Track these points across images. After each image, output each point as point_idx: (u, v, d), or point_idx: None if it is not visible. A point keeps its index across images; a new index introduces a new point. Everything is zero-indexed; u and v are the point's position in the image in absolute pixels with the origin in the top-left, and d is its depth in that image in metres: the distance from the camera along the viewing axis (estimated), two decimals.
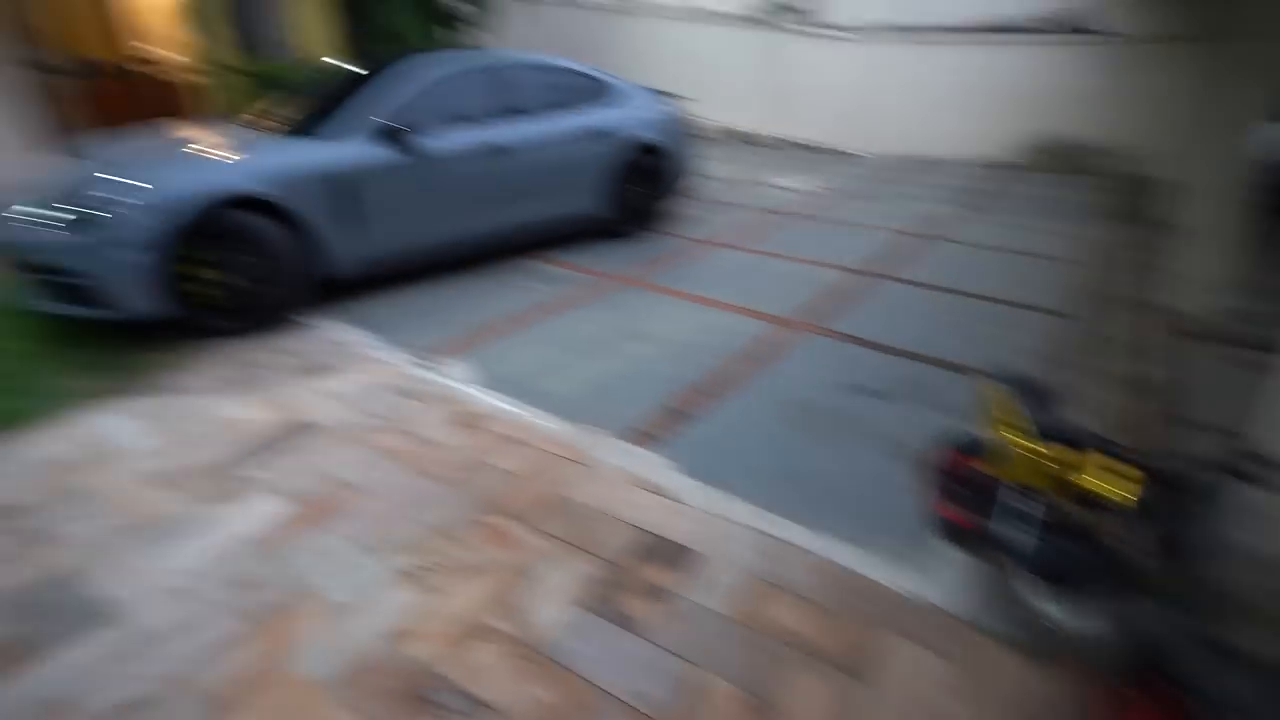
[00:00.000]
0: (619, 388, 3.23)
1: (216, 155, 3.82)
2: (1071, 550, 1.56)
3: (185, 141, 4.18)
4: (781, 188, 8.09)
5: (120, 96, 7.55)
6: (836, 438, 2.80)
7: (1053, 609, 1.65)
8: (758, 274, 4.88)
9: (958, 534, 2.00)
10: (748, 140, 12.15)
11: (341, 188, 3.84)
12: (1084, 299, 4.43)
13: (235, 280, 3.52)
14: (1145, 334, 3.83)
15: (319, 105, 4.43)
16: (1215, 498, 1.39)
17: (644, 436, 2.79)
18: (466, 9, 9.10)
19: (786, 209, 6.92)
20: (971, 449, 2.00)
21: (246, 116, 4.99)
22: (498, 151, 4.51)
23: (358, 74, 4.71)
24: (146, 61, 8.22)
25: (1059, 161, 9.85)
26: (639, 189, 5.45)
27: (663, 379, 3.28)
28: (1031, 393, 1.86)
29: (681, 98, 6.05)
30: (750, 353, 3.56)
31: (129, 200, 3.24)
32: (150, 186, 3.30)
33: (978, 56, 9.84)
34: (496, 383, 3.24)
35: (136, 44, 8.34)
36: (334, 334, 3.76)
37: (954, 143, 10.35)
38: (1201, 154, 6.51)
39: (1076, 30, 9.26)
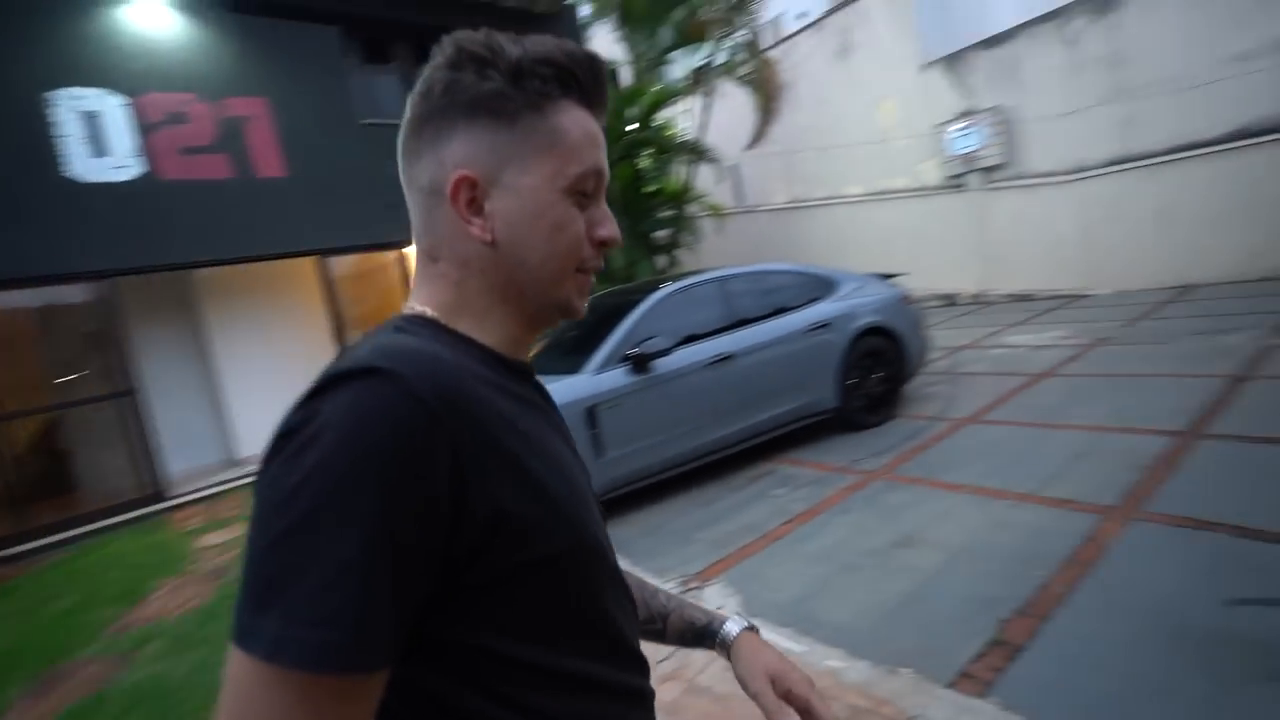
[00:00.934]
0: (908, 611, 2.74)
1: None
2: None
3: None
4: (1019, 345, 7.35)
5: None
6: (1249, 679, 2.04)
7: None
8: (1029, 450, 4.21)
9: None
10: (968, 302, 11.58)
11: (589, 418, 4.11)
12: None
13: None
14: None
15: (562, 343, 4.99)
16: None
17: (967, 680, 2.26)
18: (677, 235, 10.22)
19: (1033, 368, 6.17)
20: None
21: None
22: (723, 360, 4.63)
23: (594, 307, 5.29)
24: None
25: None
26: (874, 375, 5.25)
27: (959, 597, 2.75)
28: None
29: (899, 275, 5.95)
30: (1066, 554, 2.90)
31: None
32: None
33: (1238, 164, 8.70)
34: (765, 609, 2.94)
35: None
36: None
37: (1220, 263, 8.90)
38: None
39: None
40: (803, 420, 5.03)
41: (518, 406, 0.61)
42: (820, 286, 5.32)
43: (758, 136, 9.69)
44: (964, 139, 11.23)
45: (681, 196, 10.09)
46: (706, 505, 4.37)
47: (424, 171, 0.63)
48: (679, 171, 10.38)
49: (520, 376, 0.67)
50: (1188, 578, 2.58)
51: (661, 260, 10.13)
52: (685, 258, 10.60)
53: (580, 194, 0.63)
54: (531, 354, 0.72)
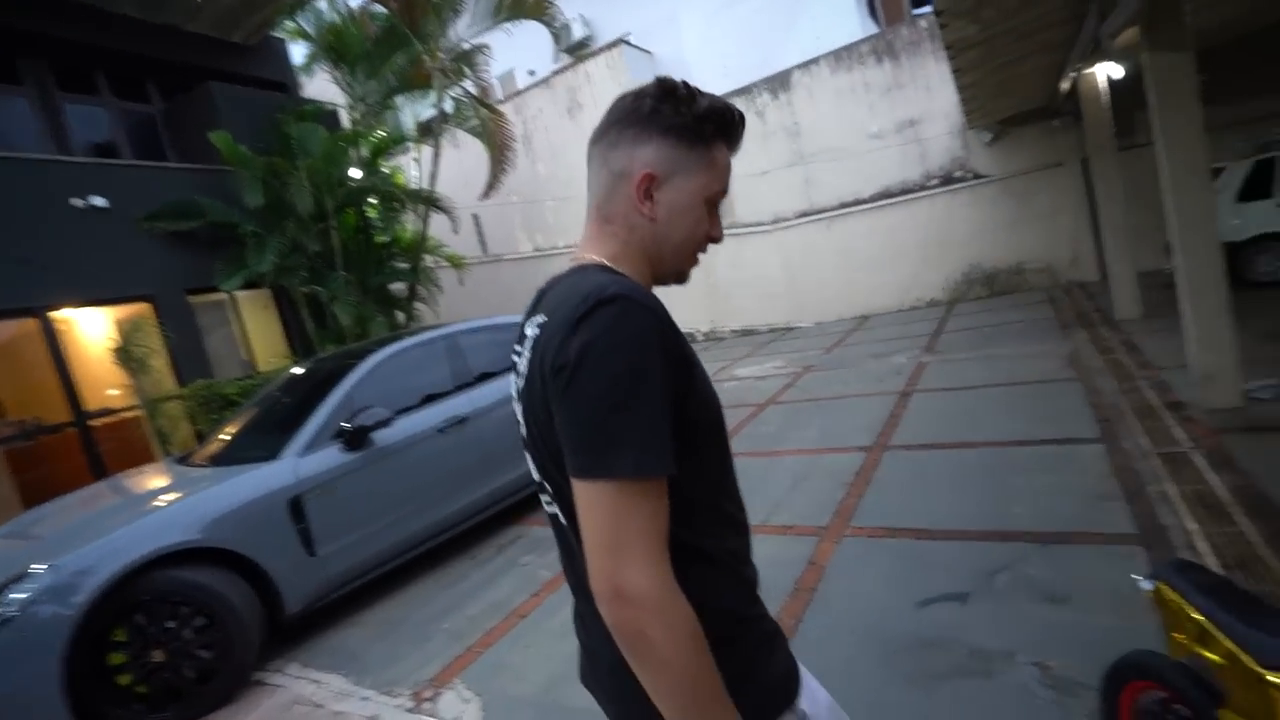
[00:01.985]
0: None
1: (147, 505, 3.29)
2: None
3: (118, 494, 3.78)
4: (746, 377, 8.06)
5: (72, 453, 7.15)
6: (940, 677, 2.23)
7: None
8: (759, 480, 4.50)
9: None
10: (703, 339, 12.56)
11: (293, 511, 3.41)
12: (1098, 416, 4.18)
13: (174, 658, 2.90)
14: (1196, 437, 3.52)
15: (265, 419, 4.18)
16: None
17: None
18: (414, 288, 9.49)
19: (758, 398, 6.78)
20: (1159, 675, 1.50)
21: (191, 448, 4.68)
22: (457, 423, 4.24)
23: (308, 374, 4.55)
24: (106, 412, 7.97)
25: (985, 288, 10.38)
26: None
27: None
28: (1215, 588, 1.42)
29: None
30: (792, 583, 3.03)
31: (31, 593, 2.67)
32: (66, 563, 2.76)
33: (887, 218, 10.75)
34: (509, 710, 2.59)
35: (105, 394, 8.12)
36: (301, 688, 3.08)
37: (886, 296, 10.90)
38: (1134, 251, 6.81)
39: (958, 179, 10.28)
40: None
41: None
42: None
43: (491, 186, 9.56)
44: None
45: (416, 247, 9.50)
46: (451, 586, 3.90)
47: (618, 160, 0.90)
48: (412, 221, 9.80)
49: None
50: (888, 586, 2.82)
51: (400, 316, 9.39)
52: (425, 312, 9.97)
53: (711, 204, 0.93)
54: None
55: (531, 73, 15.46)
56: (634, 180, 0.88)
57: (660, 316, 0.78)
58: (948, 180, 10.31)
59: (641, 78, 13.13)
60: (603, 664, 0.89)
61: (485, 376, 4.60)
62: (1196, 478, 3.11)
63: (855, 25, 12.24)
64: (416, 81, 9.06)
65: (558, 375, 0.76)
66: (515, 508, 4.69)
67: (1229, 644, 1.30)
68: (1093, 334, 6.38)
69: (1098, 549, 2.74)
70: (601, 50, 13.16)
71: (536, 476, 0.94)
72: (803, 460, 4.66)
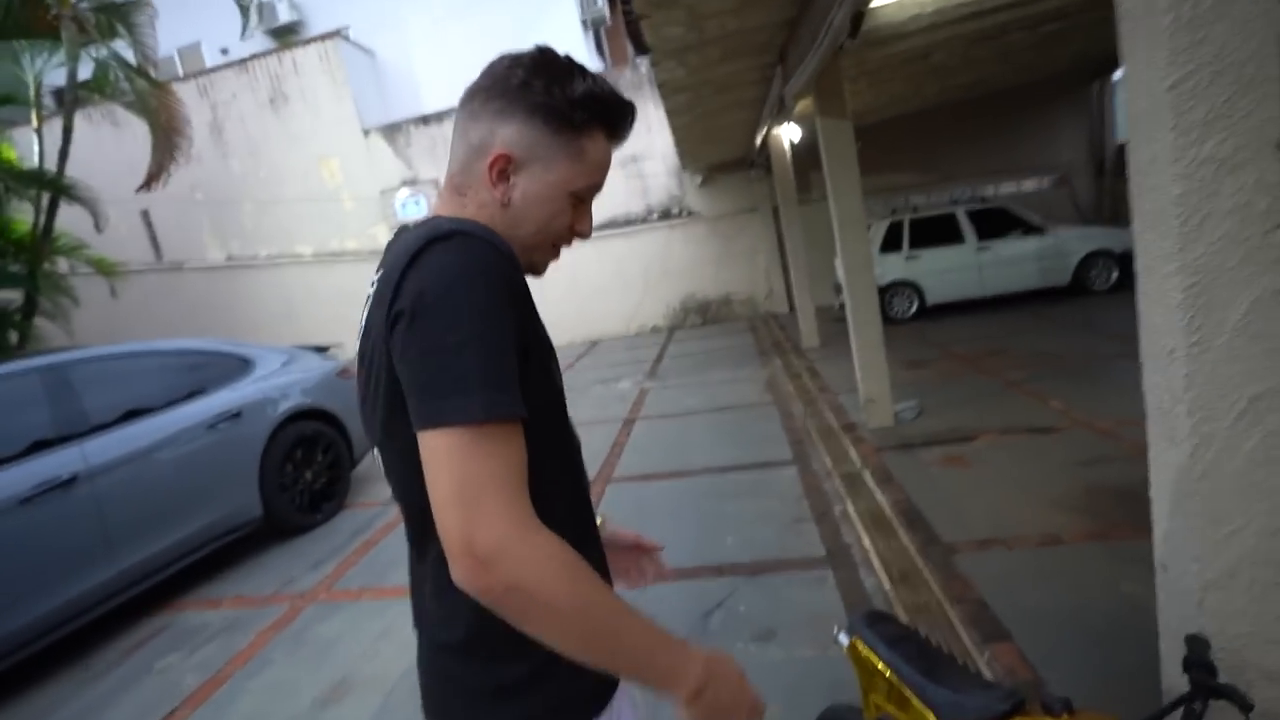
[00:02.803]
0: None
1: None
2: None
3: None
4: None
5: None
6: None
7: None
8: None
9: None
10: None
11: None
12: (791, 439, 4.62)
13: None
14: (864, 456, 4.01)
15: None
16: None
17: None
18: (33, 298, 7.18)
19: None
20: None
21: None
22: (64, 484, 3.11)
23: None
24: None
25: (699, 316, 11.38)
26: (309, 466, 4.38)
27: None
28: (902, 641, 1.41)
29: (331, 346, 5.27)
30: None
31: None
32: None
33: (615, 248, 11.14)
34: None
35: None
36: None
37: (614, 322, 11.31)
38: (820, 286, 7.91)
39: (675, 215, 11.13)
40: (217, 542, 3.83)
41: None
42: (229, 367, 4.21)
43: (154, 177, 7.67)
44: (414, 206, 11.49)
45: (36, 245, 7.23)
46: (59, 702, 2.80)
47: (477, 133, 0.80)
48: (23, 210, 7.45)
49: None
50: None
51: (12, 336, 7.05)
52: (52, 331, 7.64)
53: (579, 197, 0.85)
54: None
55: (224, 51, 13.16)
56: (489, 158, 0.79)
57: (501, 251, 0.73)
58: (666, 215, 11.12)
59: (360, 78, 11.99)
60: (421, 640, 0.85)
61: (107, 425, 3.48)
62: (868, 495, 3.51)
63: (584, 62, 12.67)
64: (34, 28, 6.91)
65: (395, 324, 0.69)
66: (171, 586, 3.62)
67: (917, 703, 1.27)
68: (785, 360, 7.22)
69: (796, 576, 2.88)
70: (314, 40, 11.71)
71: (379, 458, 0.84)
72: None
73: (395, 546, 3.97)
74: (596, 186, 0.86)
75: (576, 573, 0.67)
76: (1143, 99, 1.13)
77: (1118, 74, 10.08)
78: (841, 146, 4.36)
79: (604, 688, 0.82)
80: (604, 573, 0.91)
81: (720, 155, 9.60)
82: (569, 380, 7.73)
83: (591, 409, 6.45)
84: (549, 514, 0.70)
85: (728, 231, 10.99)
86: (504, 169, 0.79)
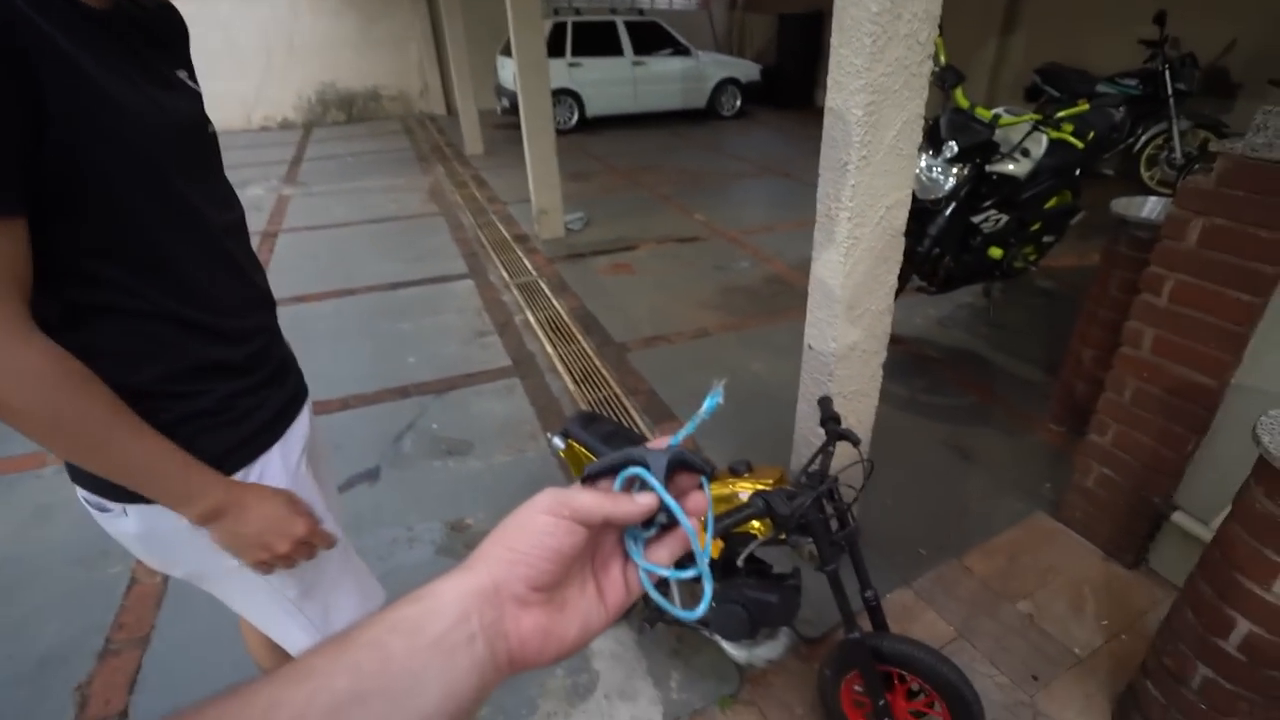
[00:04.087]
0: None
1: None
2: (748, 603, 1.36)
3: None
4: None
5: None
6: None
7: (742, 653, 1.48)
8: None
9: None
10: None
11: None
12: (464, 251, 4.45)
13: None
14: (539, 267, 4.07)
15: None
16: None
17: None
18: None
19: None
20: None
21: None
22: None
23: None
24: None
25: (342, 112, 9.76)
26: None
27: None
28: (613, 436, 1.52)
29: None
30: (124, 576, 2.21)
31: None
32: None
33: (221, 7, 8.46)
34: None
35: None
36: None
37: (227, 110, 8.98)
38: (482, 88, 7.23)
39: None
40: None
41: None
42: None
43: None
44: None
45: None
46: None
47: None
48: None
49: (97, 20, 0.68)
50: None
51: None
52: None
53: None
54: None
55: None
56: None
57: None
58: None
59: None
60: None
61: None
62: (547, 304, 3.62)
63: None
64: None
65: None
66: None
67: None
68: (448, 168, 6.72)
69: (485, 387, 2.90)
70: None
71: None
72: None
73: None
74: None
75: (59, 387, 0.64)
76: None
77: None
78: None
79: (239, 448, 0.85)
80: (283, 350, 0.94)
81: None
82: None
83: None
84: (177, 283, 0.74)
85: (370, 9, 9.22)
86: None
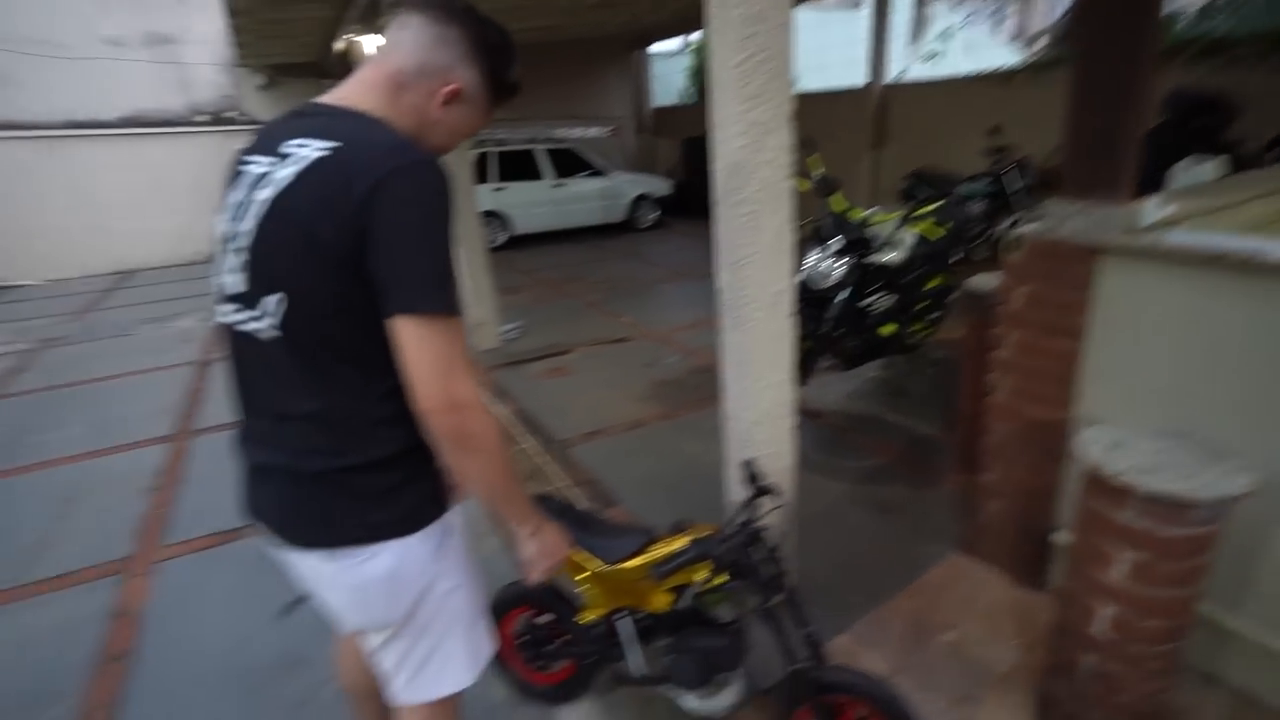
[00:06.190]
0: None
1: None
2: (699, 650, 1.50)
3: None
4: None
5: None
6: (304, 702, 1.99)
7: (701, 705, 1.59)
8: (13, 510, 3.03)
9: (568, 686, 1.74)
10: None
11: None
12: None
13: None
14: (477, 377, 4.24)
15: None
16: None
17: None
18: None
19: None
20: (531, 600, 1.72)
21: None
22: None
23: None
24: None
25: None
26: None
27: None
28: (563, 513, 1.68)
29: None
30: (91, 652, 2.15)
31: None
32: None
33: (146, 153, 8.70)
34: None
35: None
36: None
37: (155, 247, 9.02)
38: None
39: (231, 120, 9.25)
40: None
41: None
42: None
43: None
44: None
45: None
46: None
47: (444, 57, 1.00)
48: None
49: None
50: (237, 605, 2.34)
51: None
52: None
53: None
54: None
55: None
56: (447, 85, 1.01)
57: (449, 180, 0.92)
58: (220, 120, 9.18)
59: None
60: (278, 475, 1.02)
61: None
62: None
63: None
64: None
65: (374, 205, 0.85)
66: None
67: (581, 555, 1.56)
68: None
69: None
70: None
71: (237, 289, 0.96)
72: (70, 471, 3.39)
73: None
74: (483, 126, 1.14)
75: (501, 437, 0.97)
76: (720, 71, 1.52)
77: (652, 48, 12.09)
78: None
79: (444, 497, 1.10)
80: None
81: (287, 55, 8.29)
82: (97, 323, 6.04)
83: (144, 355, 5.19)
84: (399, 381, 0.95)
85: None
86: (449, 97, 1.02)
